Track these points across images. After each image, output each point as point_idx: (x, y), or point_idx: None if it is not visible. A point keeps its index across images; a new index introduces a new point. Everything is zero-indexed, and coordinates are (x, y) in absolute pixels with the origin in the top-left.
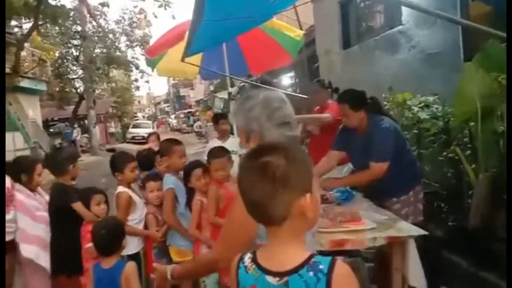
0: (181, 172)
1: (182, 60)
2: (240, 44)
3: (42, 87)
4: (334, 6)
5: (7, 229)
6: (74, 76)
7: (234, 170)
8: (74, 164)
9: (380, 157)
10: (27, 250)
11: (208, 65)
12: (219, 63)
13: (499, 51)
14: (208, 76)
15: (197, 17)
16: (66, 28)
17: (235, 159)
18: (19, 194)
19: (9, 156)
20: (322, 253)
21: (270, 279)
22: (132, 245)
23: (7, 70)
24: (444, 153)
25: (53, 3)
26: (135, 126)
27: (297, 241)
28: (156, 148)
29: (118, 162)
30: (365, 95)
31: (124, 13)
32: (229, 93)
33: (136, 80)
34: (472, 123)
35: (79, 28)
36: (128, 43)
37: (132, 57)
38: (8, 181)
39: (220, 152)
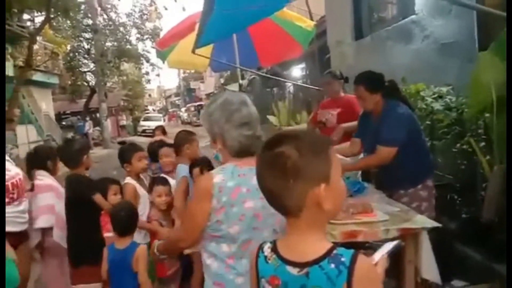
0: None
1: (193, 51)
2: (250, 36)
3: (55, 80)
4: None
5: (19, 220)
6: (85, 70)
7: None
8: (87, 155)
9: (388, 140)
10: (58, 235)
11: (219, 56)
12: (230, 55)
13: None
14: (218, 68)
15: (208, 7)
16: (78, 21)
17: None
18: (47, 179)
19: (23, 149)
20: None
21: (290, 269)
22: (137, 238)
23: (20, 64)
24: (458, 145)
25: None
26: (146, 119)
27: (317, 231)
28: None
29: (125, 153)
30: (382, 77)
31: (135, 6)
32: (240, 85)
33: (147, 73)
34: (487, 114)
35: (90, 22)
36: (138, 36)
37: (143, 50)
38: (20, 172)
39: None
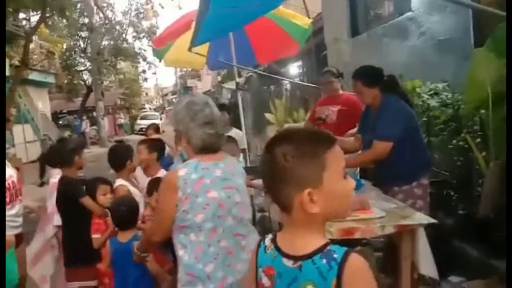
0: None
1: (189, 49)
2: (247, 34)
3: (51, 79)
4: None
5: (13, 224)
6: (82, 68)
7: None
8: (79, 154)
9: (384, 135)
10: None
11: (216, 55)
12: (227, 53)
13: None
14: (215, 66)
15: (204, 6)
16: (74, 20)
17: None
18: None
19: (19, 148)
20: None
21: (285, 261)
22: None
23: (16, 63)
24: (454, 141)
25: None
26: (143, 118)
27: (311, 228)
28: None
29: (122, 157)
30: (380, 72)
31: (131, 4)
32: (237, 83)
33: (144, 71)
34: (483, 110)
35: (86, 20)
36: (135, 34)
37: (139, 49)
38: (14, 174)
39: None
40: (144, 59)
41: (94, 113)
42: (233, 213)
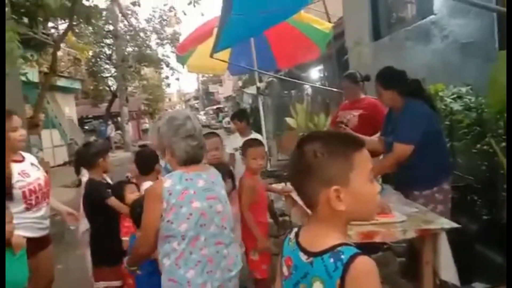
0: None
1: (211, 56)
2: (268, 39)
3: (77, 85)
4: None
5: (38, 226)
6: (107, 75)
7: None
8: (104, 157)
9: (404, 137)
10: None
11: (237, 60)
12: (248, 58)
13: None
14: (236, 72)
15: (225, 12)
16: (99, 27)
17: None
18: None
19: (47, 152)
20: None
21: (301, 255)
22: None
23: (45, 70)
24: (478, 145)
25: (87, 3)
26: None
27: (332, 228)
28: None
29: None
30: (399, 74)
31: (155, 12)
32: (258, 88)
33: (167, 77)
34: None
35: (111, 28)
36: (158, 41)
37: (163, 55)
38: (42, 177)
39: (255, 142)
40: (167, 65)
41: (119, 118)
42: (215, 222)
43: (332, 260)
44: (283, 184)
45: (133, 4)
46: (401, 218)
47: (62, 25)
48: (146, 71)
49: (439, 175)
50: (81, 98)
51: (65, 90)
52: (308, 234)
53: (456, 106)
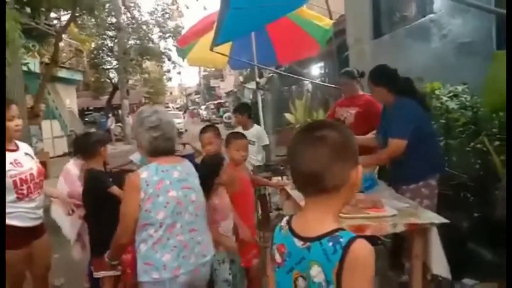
0: None
1: (211, 49)
2: (269, 34)
3: (79, 77)
4: None
5: (31, 216)
6: (108, 67)
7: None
8: (104, 146)
9: (397, 133)
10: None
11: (238, 55)
12: (248, 53)
13: None
14: (237, 66)
15: (224, 5)
16: (102, 19)
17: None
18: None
19: (47, 143)
20: None
21: (296, 241)
22: None
23: (46, 61)
24: (472, 144)
25: None
26: None
27: (333, 214)
28: None
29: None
30: (389, 72)
31: (158, 5)
32: (257, 83)
33: (168, 71)
34: (501, 113)
35: (114, 20)
36: (161, 34)
37: (165, 48)
38: (35, 167)
39: (238, 134)
40: (169, 59)
41: (120, 111)
42: (189, 210)
43: (331, 244)
44: (278, 178)
45: None
46: (391, 212)
47: (65, 16)
48: (148, 64)
49: (427, 171)
50: (82, 90)
51: (66, 81)
52: (303, 220)
53: (452, 105)
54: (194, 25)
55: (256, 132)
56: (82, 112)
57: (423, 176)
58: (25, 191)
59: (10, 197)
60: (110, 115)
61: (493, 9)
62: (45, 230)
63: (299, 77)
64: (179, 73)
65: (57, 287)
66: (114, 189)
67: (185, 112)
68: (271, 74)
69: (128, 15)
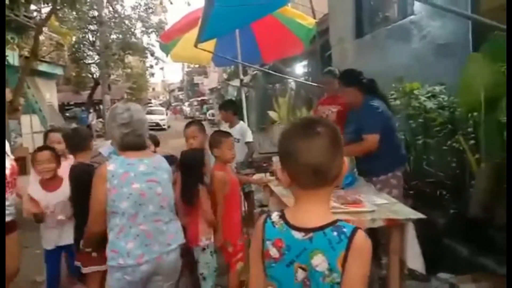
0: None
1: (195, 45)
2: (253, 32)
3: (59, 71)
4: None
5: (6, 212)
6: (90, 61)
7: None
8: (91, 141)
9: (371, 128)
10: None
11: (222, 52)
12: (233, 51)
13: (504, 42)
14: (221, 63)
15: (208, 2)
16: (83, 13)
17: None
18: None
19: (26, 138)
20: None
21: (295, 234)
22: None
23: (26, 54)
24: (449, 143)
25: None
26: (149, 113)
27: (325, 204)
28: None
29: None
30: (358, 73)
31: None
32: (241, 80)
33: (151, 66)
34: (475, 113)
35: (95, 13)
36: (143, 29)
37: (148, 44)
38: (9, 166)
39: (226, 133)
40: (152, 54)
41: (101, 106)
42: (154, 201)
43: (335, 233)
44: (262, 174)
45: None
46: (371, 208)
47: (45, 9)
48: (130, 59)
49: (393, 163)
50: (62, 84)
51: (46, 75)
52: (300, 213)
53: (430, 105)
54: (178, 21)
55: (240, 128)
56: (63, 107)
57: (391, 168)
58: None
59: None
60: (91, 110)
61: (470, 15)
62: (16, 227)
63: (283, 75)
64: (162, 68)
65: (38, 283)
66: None
67: (168, 108)
68: (255, 72)
69: (110, 9)
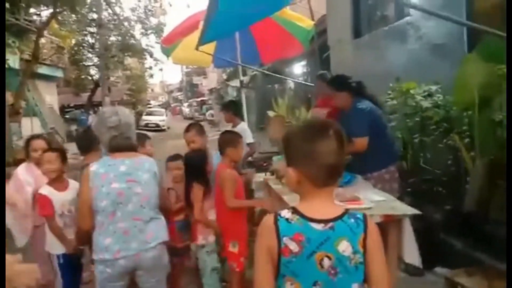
0: None
1: (196, 48)
2: (252, 34)
3: (59, 73)
4: None
5: None
6: (89, 64)
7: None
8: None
9: (358, 132)
10: None
11: (222, 53)
12: (232, 52)
13: (498, 43)
14: (221, 65)
15: (212, 6)
16: (83, 15)
17: None
18: None
19: None
20: None
21: (314, 225)
22: None
23: (26, 57)
24: (445, 141)
25: None
26: (148, 114)
27: (333, 199)
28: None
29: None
30: (347, 78)
31: (139, 1)
32: (241, 81)
33: (150, 68)
34: (470, 112)
35: (95, 16)
36: (143, 31)
37: (147, 45)
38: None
39: (237, 133)
40: (151, 56)
41: (101, 108)
42: (133, 201)
43: (352, 220)
44: (262, 174)
45: None
46: (368, 205)
47: (45, 12)
48: (130, 61)
49: (387, 159)
50: (62, 87)
51: (46, 78)
52: (315, 207)
53: (426, 104)
54: (179, 24)
55: (241, 129)
56: (63, 109)
57: (385, 164)
58: None
59: None
60: (91, 112)
61: (463, 21)
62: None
63: (282, 76)
64: (161, 69)
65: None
66: None
67: (167, 109)
68: (254, 73)
69: (110, 11)
